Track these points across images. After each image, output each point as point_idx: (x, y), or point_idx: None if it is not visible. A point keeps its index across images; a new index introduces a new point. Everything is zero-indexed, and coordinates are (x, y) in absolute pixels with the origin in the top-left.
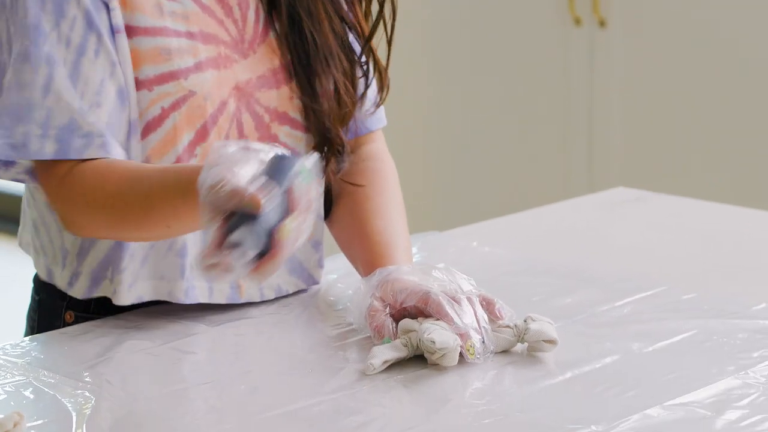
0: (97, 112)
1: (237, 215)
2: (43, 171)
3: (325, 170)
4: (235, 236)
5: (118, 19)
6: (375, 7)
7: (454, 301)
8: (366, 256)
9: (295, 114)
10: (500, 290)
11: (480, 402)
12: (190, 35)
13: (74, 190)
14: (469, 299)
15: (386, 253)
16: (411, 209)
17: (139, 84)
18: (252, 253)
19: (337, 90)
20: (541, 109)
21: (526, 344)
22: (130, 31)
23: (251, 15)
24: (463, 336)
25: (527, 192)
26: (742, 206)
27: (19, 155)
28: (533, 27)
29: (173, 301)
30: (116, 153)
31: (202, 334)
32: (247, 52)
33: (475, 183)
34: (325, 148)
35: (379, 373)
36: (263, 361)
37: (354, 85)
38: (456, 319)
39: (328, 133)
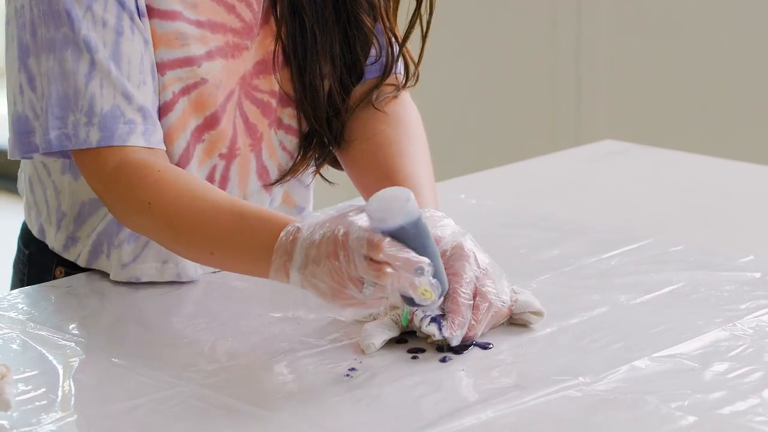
0: (144, 90)
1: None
2: (87, 160)
3: (310, 156)
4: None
5: (142, 2)
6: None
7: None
8: None
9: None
10: (487, 243)
11: (467, 354)
12: (199, 24)
13: (129, 188)
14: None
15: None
16: None
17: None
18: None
19: (331, 92)
20: (529, 62)
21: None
22: (149, 12)
23: None
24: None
25: (515, 145)
26: (730, 159)
27: (72, 145)
28: None
29: (183, 280)
30: (155, 141)
31: (192, 287)
32: (255, 35)
33: (463, 136)
34: (314, 138)
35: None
36: (254, 313)
37: (347, 92)
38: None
39: (316, 125)
